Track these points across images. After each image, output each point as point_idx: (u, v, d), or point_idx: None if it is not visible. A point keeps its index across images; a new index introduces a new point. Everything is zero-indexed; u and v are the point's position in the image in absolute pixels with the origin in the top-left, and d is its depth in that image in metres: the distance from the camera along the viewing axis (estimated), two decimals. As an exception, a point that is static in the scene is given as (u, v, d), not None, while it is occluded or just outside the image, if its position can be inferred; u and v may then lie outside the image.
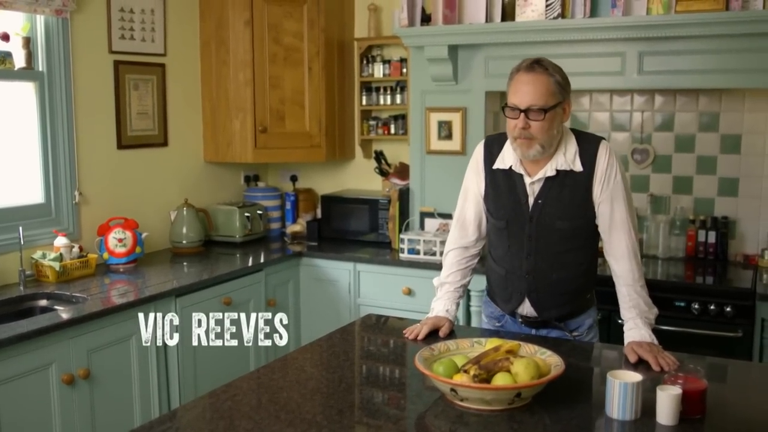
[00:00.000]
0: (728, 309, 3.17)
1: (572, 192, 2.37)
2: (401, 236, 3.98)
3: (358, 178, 4.72)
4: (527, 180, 2.40)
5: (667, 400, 1.80)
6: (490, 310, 2.67)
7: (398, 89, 4.41)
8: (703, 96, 3.78)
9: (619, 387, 1.82)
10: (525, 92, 2.27)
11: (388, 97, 4.45)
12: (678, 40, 3.41)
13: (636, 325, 2.36)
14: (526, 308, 2.52)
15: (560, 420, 1.85)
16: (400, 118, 4.44)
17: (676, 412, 1.80)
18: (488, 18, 3.76)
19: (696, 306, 3.22)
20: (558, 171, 2.36)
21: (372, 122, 4.54)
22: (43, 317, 2.86)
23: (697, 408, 1.84)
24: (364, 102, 4.51)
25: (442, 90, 3.99)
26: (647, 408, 1.83)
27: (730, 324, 3.18)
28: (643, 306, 2.38)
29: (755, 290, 3.20)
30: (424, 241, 3.89)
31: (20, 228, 3.25)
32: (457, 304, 2.63)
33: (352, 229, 4.38)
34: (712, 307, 3.20)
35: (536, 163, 2.38)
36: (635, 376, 1.86)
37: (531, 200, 2.41)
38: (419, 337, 2.47)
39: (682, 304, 3.26)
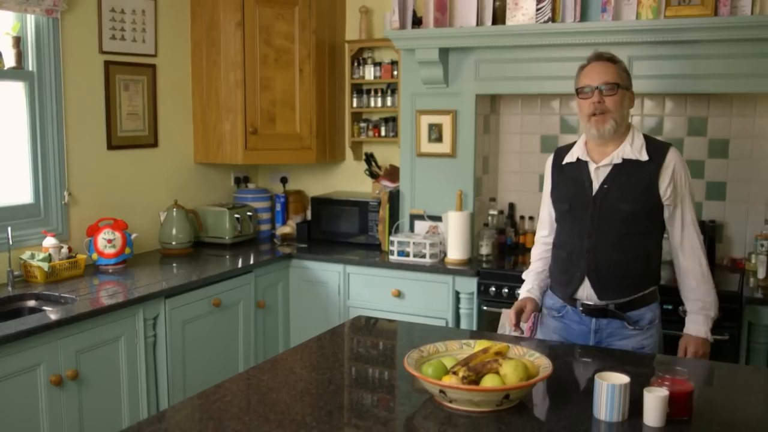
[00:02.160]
0: (715, 312, 3.19)
1: (638, 179, 2.53)
2: (391, 238, 3.98)
3: (348, 180, 4.73)
4: (592, 167, 2.59)
5: (654, 402, 1.81)
6: (552, 302, 2.74)
7: (389, 91, 4.42)
8: (691, 100, 3.81)
9: (607, 389, 1.84)
10: (598, 72, 2.54)
11: (379, 100, 4.45)
12: (667, 45, 3.44)
13: (696, 320, 2.58)
14: (586, 291, 2.59)
15: (548, 421, 1.86)
16: (391, 121, 4.45)
17: (663, 414, 1.81)
18: (479, 21, 3.77)
19: (683, 309, 3.23)
20: (624, 159, 2.54)
21: (362, 124, 4.55)
22: (31, 318, 2.85)
23: (684, 409, 1.86)
24: (354, 104, 4.52)
25: (432, 93, 4.00)
26: (634, 409, 1.85)
27: (717, 327, 3.15)
28: (708, 300, 2.58)
29: (742, 293, 3.22)
30: (413, 243, 3.90)
31: (9, 228, 3.24)
32: (540, 288, 2.79)
33: (342, 231, 4.38)
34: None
35: (602, 152, 2.58)
36: (623, 378, 1.87)
37: (596, 185, 2.58)
38: (515, 326, 2.66)
39: (670, 306, 3.24)
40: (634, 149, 2.54)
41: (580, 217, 2.60)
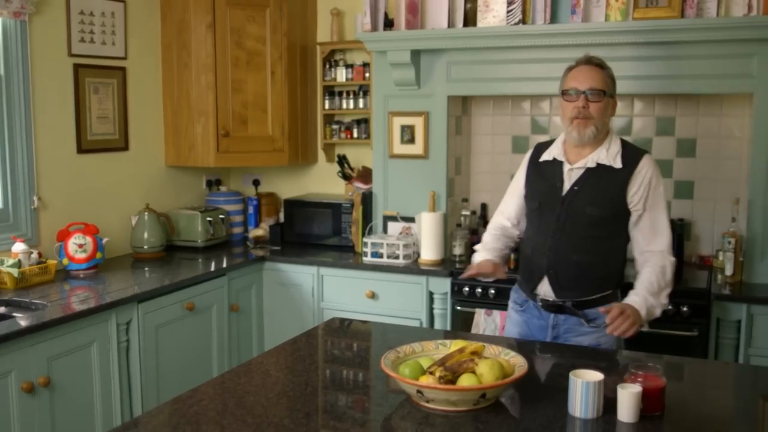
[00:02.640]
0: (685, 309, 3.25)
1: (608, 185, 2.56)
2: (364, 240, 3.99)
3: (321, 182, 4.73)
4: (566, 167, 2.62)
5: (627, 398, 1.85)
6: (516, 296, 2.80)
7: (361, 93, 4.43)
8: (659, 101, 3.87)
9: (582, 386, 1.86)
10: (585, 77, 2.56)
11: (351, 102, 4.46)
12: (635, 46, 3.49)
13: (637, 294, 2.50)
14: (545, 288, 2.63)
15: (524, 419, 1.89)
16: (363, 122, 4.46)
17: (637, 410, 1.85)
18: (450, 23, 3.80)
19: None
20: (598, 164, 2.57)
21: (335, 126, 4.55)
22: (1, 325, 2.80)
23: (657, 405, 1.89)
24: (326, 106, 4.52)
25: (404, 94, 4.01)
26: (608, 406, 1.88)
27: (687, 323, 3.25)
28: (654, 289, 2.50)
29: (710, 290, 3.28)
30: (387, 244, 3.91)
31: (-23, 234, 3.20)
32: (500, 257, 2.78)
33: (315, 233, 4.38)
34: (669, 307, 3.24)
35: (579, 154, 2.61)
36: (597, 375, 1.90)
37: (567, 185, 2.61)
38: (468, 273, 2.67)
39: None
40: (609, 155, 2.57)
41: (548, 216, 2.64)
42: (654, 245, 2.58)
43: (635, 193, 2.55)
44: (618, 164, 2.56)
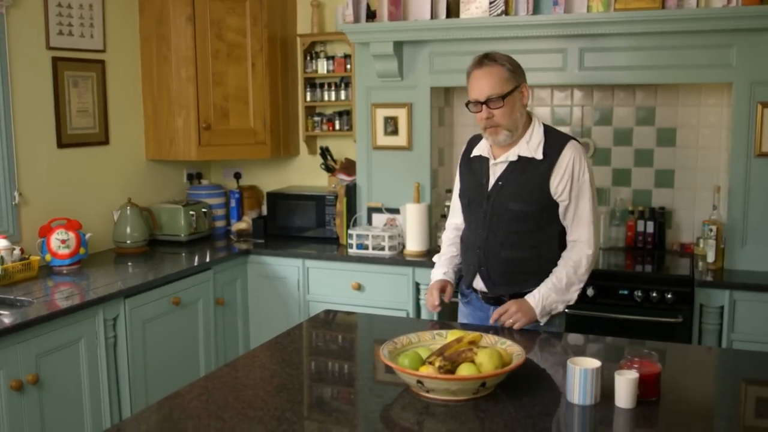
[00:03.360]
0: (669, 296, 3.30)
1: (530, 178, 2.51)
2: (350, 231, 3.99)
3: (303, 174, 4.72)
4: (491, 162, 2.58)
5: (624, 384, 1.88)
6: (462, 288, 2.80)
7: (342, 85, 4.42)
8: (639, 91, 3.92)
9: (580, 373, 1.89)
10: (481, 85, 2.47)
11: (333, 93, 4.45)
12: (617, 37, 3.53)
13: (539, 290, 2.50)
14: (479, 282, 2.64)
15: (524, 407, 1.91)
16: (345, 114, 4.45)
17: (634, 396, 1.88)
18: (433, 15, 3.80)
19: (638, 293, 3.34)
20: (519, 157, 2.52)
21: (316, 118, 4.54)
22: (-13, 322, 2.78)
23: (653, 390, 1.92)
24: (308, 98, 4.51)
25: (387, 86, 4.02)
26: (606, 392, 1.91)
27: (671, 310, 3.30)
28: (561, 283, 2.50)
29: (693, 277, 3.34)
30: (372, 236, 3.92)
31: (-41, 231, 3.15)
32: (455, 272, 2.79)
33: (299, 225, 4.37)
34: (653, 295, 3.32)
35: (503, 149, 2.54)
36: (594, 363, 1.92)
37: (492, 181, 2.58)
38: (436, 304, 2.64)
39: (625, 292, 3.37)
40: (530, 147, 2.51)
41: (476, 213, 2.62)
42: (575, 235, 2.54)
43: (558, 183, 2.49)
44: (539, 155, 2.49)
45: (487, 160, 2.60)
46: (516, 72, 2.49)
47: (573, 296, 2.54)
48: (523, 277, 2.57)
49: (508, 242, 2.55)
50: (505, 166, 2.55)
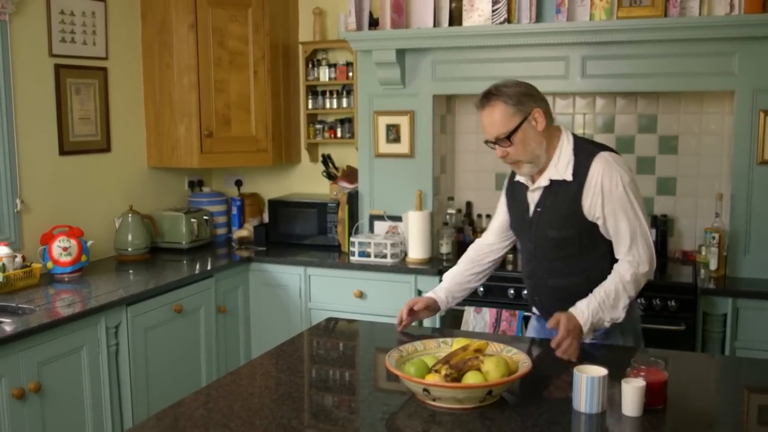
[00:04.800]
0: (672, 303, 3.30)
1: (562, 201, 2.39)
2: (352, 239, 3.99)
3: (304, 182, 4.71)
4: (529, 189, 2.48)
5: (631, 392, 1.87)
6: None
7: (344, 93, 4.42)
8: (641, 99, 3.92)
9: (586, 381, 1.88)
10: (486, 126, 2.38)
11: (334, 101, 4.45)
12: (619, 44, 3.54)
13: (585, 302, 2.31)
14: (536, 311, 2.62)
15: (530, 415, 1.90)
16: (347, 122, 4.45)
17: (641, 404, 1.87)
18: (436, 22, 3.81)
19: (641, 301, 3.33)
20: (551, 181, 2.40)
21: (318, 126, 4.54)
22: (-10, 330, 2.77)
23: (659, 399, 1.92)
24: (309, 106, 4.51)
25: (389, 94, 4.02)
26: (613, 401, 1.90)
27: (674, 318, 3.30)
28: (609, 298, 2.32)
29: (696, 285, 3.33)
30: (374, 243, 3.91)
31: (-40, 238, 3.14)
32: (450, 293, 2.66)
33: (301, 233, 4.36)
34: (656, 302, 3.32)
35: (538, 173, 2.44)
36: (601, 371, 1.92)
37: (531, 209, 2.49)
38: (398, 323, 2.58)
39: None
40: (559, 169, 2.39)
41: (524, 243, 2.55)
42: (619, 254, 2.38)
43: (591, 204, 2.35)
44: (569, 176, 2.37)
45: (526, 187, 2.49)
46: (522, 103, 2.33)
47: (622, 314, 2.35)
48: (574, 303, 2.36)
49: (554, 271, 2.46)
50: (540, 192, 2.44)
